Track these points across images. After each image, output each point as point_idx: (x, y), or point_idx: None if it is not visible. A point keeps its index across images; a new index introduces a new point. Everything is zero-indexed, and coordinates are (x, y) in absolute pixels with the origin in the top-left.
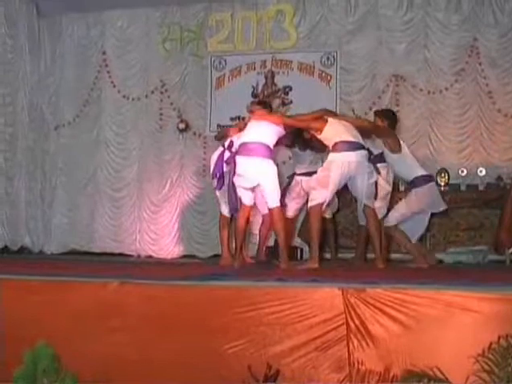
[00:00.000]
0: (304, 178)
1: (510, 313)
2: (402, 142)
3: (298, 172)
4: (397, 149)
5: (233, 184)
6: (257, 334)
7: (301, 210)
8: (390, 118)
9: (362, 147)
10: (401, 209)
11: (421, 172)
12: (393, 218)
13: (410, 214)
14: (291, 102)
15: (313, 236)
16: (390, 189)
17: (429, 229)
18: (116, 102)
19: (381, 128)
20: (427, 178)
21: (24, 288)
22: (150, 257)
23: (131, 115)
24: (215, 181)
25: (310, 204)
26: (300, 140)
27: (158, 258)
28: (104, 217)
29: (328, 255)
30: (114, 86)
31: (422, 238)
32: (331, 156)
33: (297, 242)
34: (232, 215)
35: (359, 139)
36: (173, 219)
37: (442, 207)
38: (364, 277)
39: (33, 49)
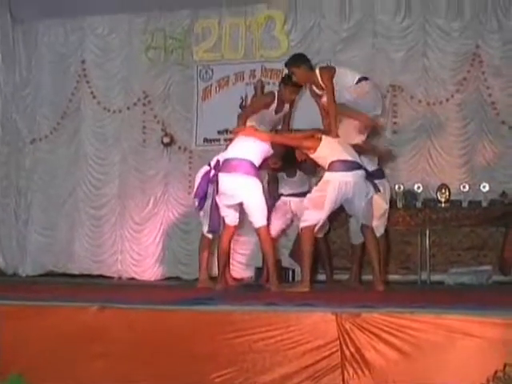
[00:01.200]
0: (293, 199)
1: None
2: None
3: (285, 193)
4: (333, 72)
5: (216, 204)
6: (246, 361)
7: (284, 231)
8: (303, 60)
9: (359, 167)
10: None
11: (360, 75)
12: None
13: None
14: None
15: (304, 259)
16: (386, 207)
17: (429, 248)
18: (96, 115)
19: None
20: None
21: (2, 313)
22: (133, 279)
23: (112, 128)
24: (197, 200)
25: (302, 225)
26: (290, 164)
27: (141, 279)
28: (83, 236)
29: (322, 276)
30: (94, 97)
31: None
32: (327, 176)
33: (289, 262)
34: (214, 236)
35: (356, 158)
36: (156, 239)
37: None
38: (359, 300)
39: (7, 57)
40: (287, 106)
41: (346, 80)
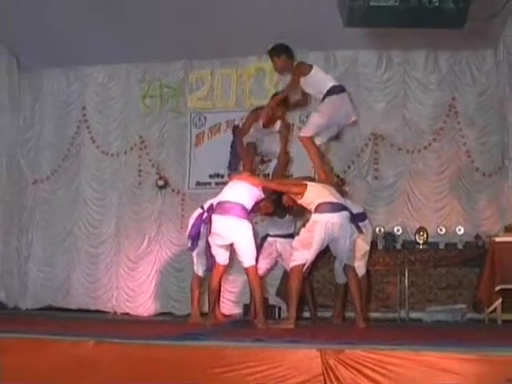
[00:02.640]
0: (279, 240)
1: (491, 374)
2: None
3: (271, 233)
4: (307, 71)
5: (208, 243)
6: None
7: (270, 270)
8: (284, 50)
9: (344, 208)
10: (316, 119)
11: (333, 83)
12: (309, 129)
13: (326, 122)
14: (270, 160)
15: (291, 296)
16: (368, 248)
17: (408, 287)
18: (95, 158)
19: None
20: (339, 88)
21: (1, 345)
22: (127, 314)
23: (110, 171)
24: (190, 241)
25: (291, 264)
26: (279, 207)
27: (135, 315)
28: (81, 273)
29: (306, 313)
30: (94, 142)
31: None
32: (314, 217)
33: (275, 300)
34: (205, 275)
35: (341, 200)
36: (150, 276)
37: (354, 117)
38: (343, 337)
39: (12, 102)
40: (277, 125)
41: (319, 82)
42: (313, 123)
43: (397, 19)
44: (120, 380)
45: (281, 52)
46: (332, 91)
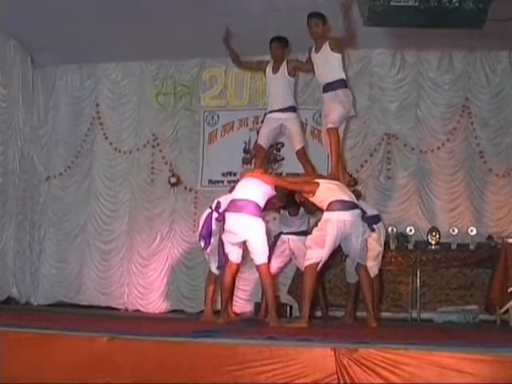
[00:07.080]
0: (291, 237)
1: (505, 375)
2: None
3: (284, 231)
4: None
5: (222, 241)
6: None
7: (282, 268)
8: (324, 17)
9: (355, 206)
10: (340, 110)
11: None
12: (336, 120)
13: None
14: (283, 158)
15: (304, 295)
16: (381, 249)
17: (419, 287)
18: (108, 155)
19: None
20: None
21: (16, 340)
22: (138, 311)
23: (123, 168)
24: (202, 242)
25: (305, 263)
26: (292, 203)
27: (146, 312)
28: (92, 269)
29: (318, 313)
30: (106, 139)
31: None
32: (326, 215)
33: (286, 299)
34: (220, 272)
35: (353, 198)
36: (162, 273)
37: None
38: (355, 336)
39: (26, 99)
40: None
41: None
42: (338, 114)
43: (416, 19)
44: (133, 376)
45: (323, 18)
46: (346, 83)
